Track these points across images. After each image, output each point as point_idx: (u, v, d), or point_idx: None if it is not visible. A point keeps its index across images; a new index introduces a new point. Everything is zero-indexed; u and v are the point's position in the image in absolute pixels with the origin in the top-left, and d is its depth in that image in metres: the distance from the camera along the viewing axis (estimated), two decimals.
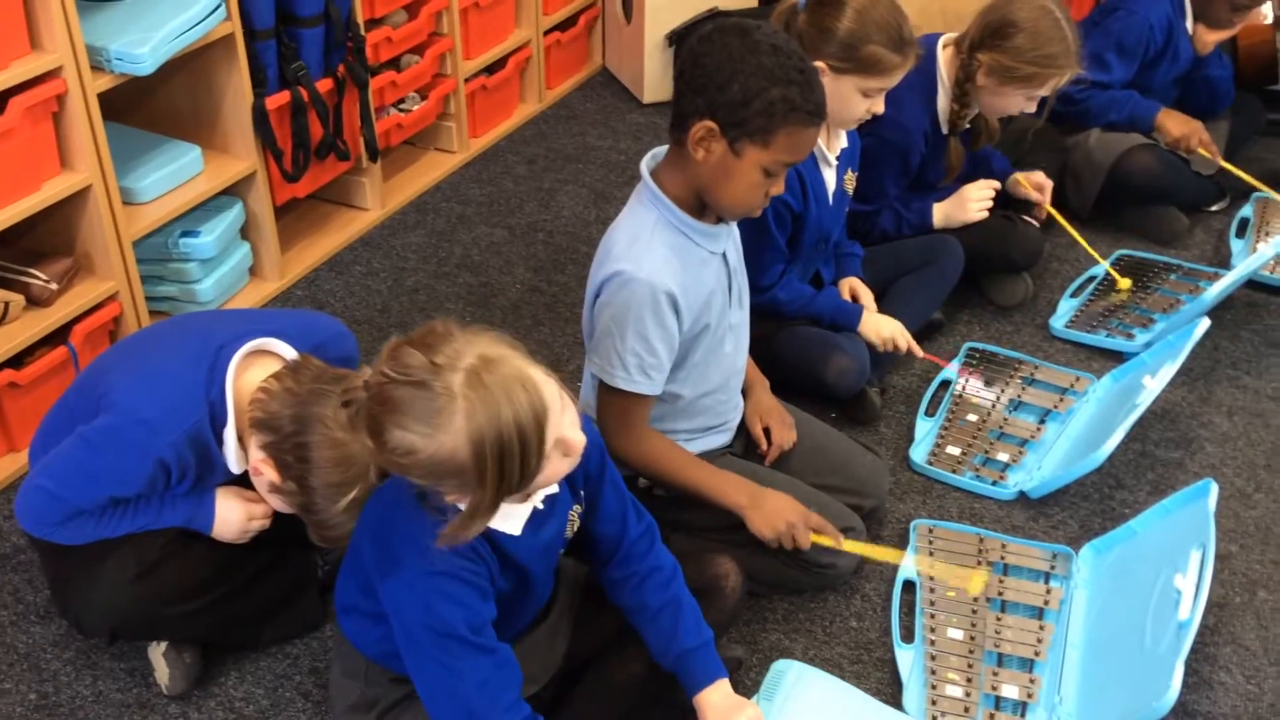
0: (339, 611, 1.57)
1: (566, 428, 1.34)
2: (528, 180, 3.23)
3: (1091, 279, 2.76)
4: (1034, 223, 2.71)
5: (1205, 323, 2.18)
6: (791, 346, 2.28)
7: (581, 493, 1.56)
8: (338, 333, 1.83)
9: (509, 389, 1.26)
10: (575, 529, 1.56)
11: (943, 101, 2.53)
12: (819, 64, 2.14)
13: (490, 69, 3.36)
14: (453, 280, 2.79)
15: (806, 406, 2.24)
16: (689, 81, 1.70)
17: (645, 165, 1.79)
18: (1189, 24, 2.93)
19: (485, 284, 2.79)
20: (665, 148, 1.80)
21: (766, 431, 2.02)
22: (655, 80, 3.60)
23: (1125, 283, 2.69)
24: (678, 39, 3.53)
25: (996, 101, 2.48)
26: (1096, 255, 2.71)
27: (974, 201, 2.56)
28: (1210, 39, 2.94)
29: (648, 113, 3.61)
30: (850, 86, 2.15)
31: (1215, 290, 2.35)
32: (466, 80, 3.23)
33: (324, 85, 2.64)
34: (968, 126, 2.56)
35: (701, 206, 1.77)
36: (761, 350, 2.21)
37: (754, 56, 1.67)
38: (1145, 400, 2.05)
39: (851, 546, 1.86)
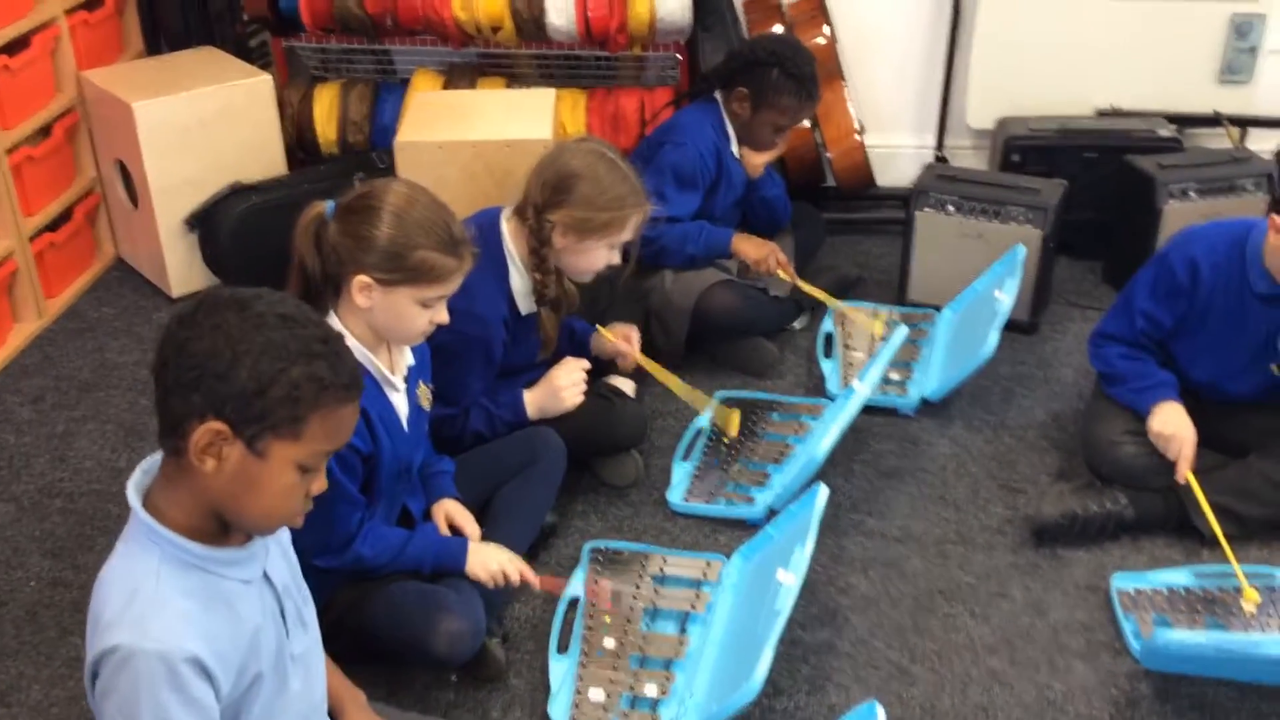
0: None
1: None
2: (34, 427, 2.63)
3: (699, 432, 2.58)
4: (629, 394, 2.51)
5: (824, 492, 2.01)
6: (387, 616, 1.89)
7: None
8: None
9: None
10: None
11: (517, 280, 2.29)
12: (363, 278, 1.82)
13: None
14: None
15: (419, 679, 1.86)
16: (177, 376, 1.30)
17: (134, 490, 1.35)
18: (735, 149, 2.86)
19: None
20: (156, 459, 1.37)
21: None
22: (181, 269, 3.10)
23: (733, 425, 2.53)
24: (200, 222, 3.05)
25: (581, 260, 2.29)
26: (695, 403, 2.53)
27: (566, 389, 2.30)
28: (759, 161, 2.89)
29: None
30: (405, 299, 1.85)
31: (824, 448, 2.20)
32: None
33: None
34: (554, 295, 2.31)
35: (221, 527, 1.36)
36: (350, 625, 1.83)
37: (259, 333, 1.30)
38: (785, 604, 1.83)
39: None
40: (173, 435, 1.31)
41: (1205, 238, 2.32)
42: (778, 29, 3.34)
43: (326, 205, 1.87)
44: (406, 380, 2.00)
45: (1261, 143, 3.45)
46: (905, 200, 3.14)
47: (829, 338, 2.91)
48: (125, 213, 3.17)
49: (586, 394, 2.34)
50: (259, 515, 1.36)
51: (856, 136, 3.39)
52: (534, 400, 2.32)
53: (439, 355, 2.18)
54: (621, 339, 2.49)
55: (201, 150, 3.01)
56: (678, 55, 3.35)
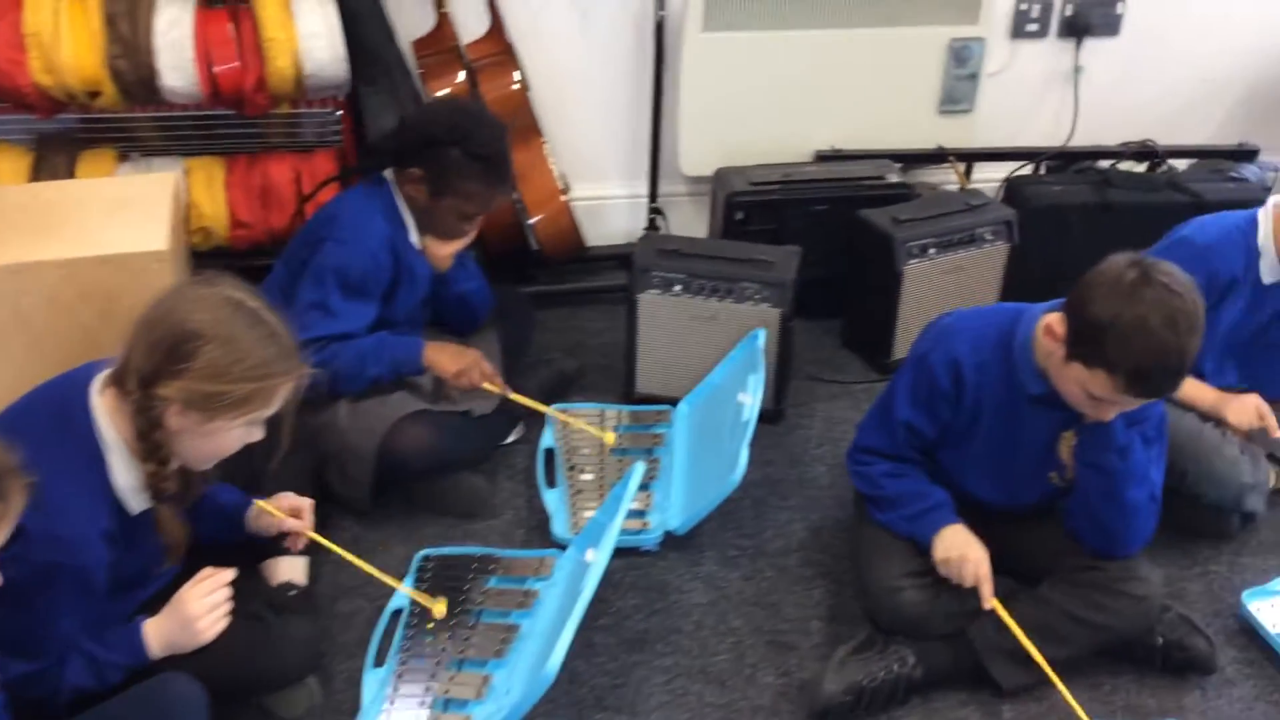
0: None
1: None
2: None
3: (397, 616, 2.04)
4: (300, 582, 1.94)
5: None
6: None
7: None
8: None
9: None
10: None
11: (121, 472, 1.65)
12: None
13: None
14: None
15: None
16: None
17: None
18: (415, 238, 2.32)
19: None
20: None
21: None
22: None
23: (440, 607, 2.01)
24: None
25: (206, 444, 1.67)
26: (389, 580, 1.98)
27: (201, 619, 1.69)
28: (445, 252, 2.35)
29: None
30: None
31: (553, 664, 1.69)
32: None
33: None
34: (175, 489, 1.70)
35: None
36: None
37: None
38: None
39: None
40: None
41: (967, 333, 1.99)
42: (461, 76, 2.81)
43: None
44: None
45: (987, 173, 3.25)
46: (621, 261, 2.71)
47: (550, 454, 2.43)
48: None
49: (234, 613, 1.74)
50: None
51: (561, 197, 2.92)
52: (159, 633, 1.70)
53: (4, 598, 1.53)
54: (290, 514, 1.92)
55: None
56: (338, 111, 2.76)
